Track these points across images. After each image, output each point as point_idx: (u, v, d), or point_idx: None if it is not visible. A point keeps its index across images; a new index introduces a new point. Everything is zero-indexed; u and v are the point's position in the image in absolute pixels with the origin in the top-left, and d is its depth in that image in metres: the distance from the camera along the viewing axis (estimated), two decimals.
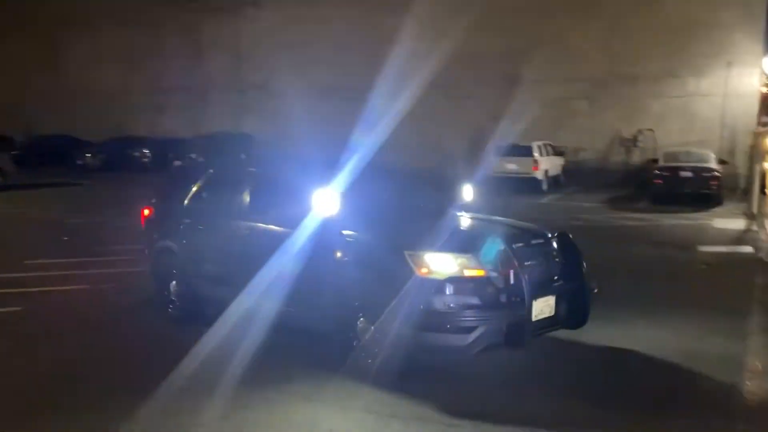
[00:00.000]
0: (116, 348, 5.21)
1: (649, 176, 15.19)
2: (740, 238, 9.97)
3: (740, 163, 16.16)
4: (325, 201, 4.81)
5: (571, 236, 4.96)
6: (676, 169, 14.45)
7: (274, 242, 5.02)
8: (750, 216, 11.34)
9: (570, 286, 4.68)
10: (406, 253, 4.42)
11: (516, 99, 19.00)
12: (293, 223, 4.94)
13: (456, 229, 5.20)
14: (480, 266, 4.38)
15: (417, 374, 4.35)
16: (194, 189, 6.30)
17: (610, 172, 18.22)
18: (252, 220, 5.50)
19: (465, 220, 5.51)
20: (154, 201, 6.82)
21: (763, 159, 12.60)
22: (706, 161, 14.75)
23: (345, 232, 4.81)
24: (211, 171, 6.57)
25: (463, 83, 19.81)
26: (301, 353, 4.85)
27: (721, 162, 14.98)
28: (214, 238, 5.80)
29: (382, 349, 4.39)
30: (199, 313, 5.77)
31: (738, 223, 11.05)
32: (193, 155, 18.71)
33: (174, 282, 6.18)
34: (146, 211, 6.79)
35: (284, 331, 4.88)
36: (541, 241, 4.84)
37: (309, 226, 4.92)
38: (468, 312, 4.33)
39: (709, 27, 17.06)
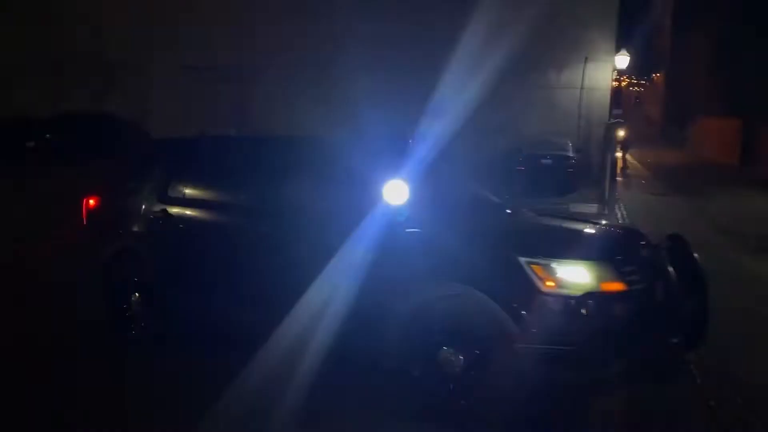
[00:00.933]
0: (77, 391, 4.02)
1: (512, 164, 15.94)
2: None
3: (594, 151, 17.33)
4: (395, 193, 3.79)
5: (687, 240, 3.99)
6: (537, 157, 15.30)
7: (310, 243, 4.03)
8: (602, 200, 12.22)
9: (687, 302, 3.71)
10: (523, 261, 3.45)
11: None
12: (344, 222, 3.83)
13: (557, 231, 4.29)
14: (619, 278, 3.46)
15: (530, 422, 3.55)
16: (165, 173, 4.88)
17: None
18: (274, 216, 4.26)
19: (542, 220, 4.59)
20: (104, 187, 5.30)
21: (615, 148, 13.66)
22: (564, 150, 15.74)
23: (417, 232, 3.79)
24: (198, 148, 5.04)
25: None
26: (354, 393, 3.94)
27: (578, 151, 16.07)
28: (212, 238, 4.55)
29: (480, 389, 3.52)
30: (176, 334, 4.73)
31: (591, 208, 11.89)
32: (48, 135, 17.23)
33: (137, 295, 4.88)
34: (92, 201, 5.25)
35: (326, 362, 3.86)
36: (648, 245, 3.94)
37: (369, 225, 3.82)
38: (606, 338, 3.36)
39: (570, 23, 18.10)
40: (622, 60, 19.39)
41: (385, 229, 3.79)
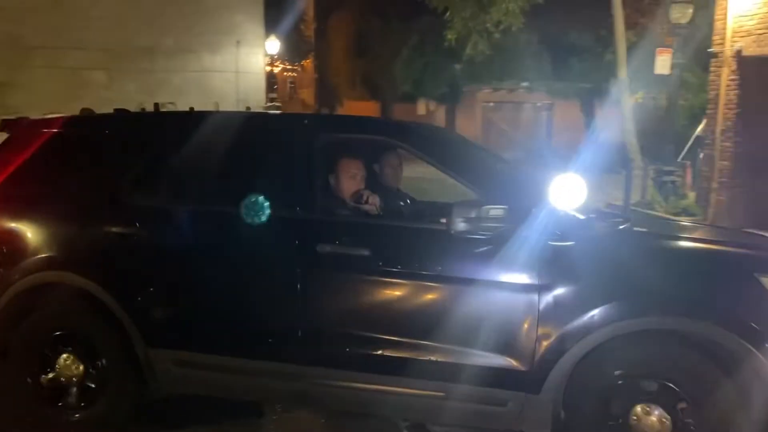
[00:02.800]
0: None
1: None
2: None
3: None
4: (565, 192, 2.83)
5: None
6: None
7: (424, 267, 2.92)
8: None
9: None
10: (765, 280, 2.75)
11: (21, 65, 16.82)
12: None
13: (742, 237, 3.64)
14: None
15: None
16: (141, 161, 3.37)
17: None
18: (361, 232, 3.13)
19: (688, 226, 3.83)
20: None
21: None
22: None
23: (574, 245, 2.84)
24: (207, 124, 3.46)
25: None
26: None
27: None
28: (242, 261, 3.17)
29: None
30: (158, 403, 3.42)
31: None
32: None
33: (69, 356, 3.32)
34: None
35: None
36: None
37: (521, 238, 2.84)
38: None
39: (218, 6, 18.10)
40: (273, 45, 20.18)
41: (538, 242, 2.87)
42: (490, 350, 2.86)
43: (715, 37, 10.32)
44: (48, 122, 3.80)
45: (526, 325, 2.83)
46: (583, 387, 2.86)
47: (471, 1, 15.51)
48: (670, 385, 2.77)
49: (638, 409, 2.80)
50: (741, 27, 9.77)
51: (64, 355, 3.38)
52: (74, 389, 3.40)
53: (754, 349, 2.68)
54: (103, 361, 3.36)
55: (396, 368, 2.96)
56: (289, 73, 53.49)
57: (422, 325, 2.94)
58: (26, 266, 3.38)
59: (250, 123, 3.69)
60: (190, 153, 3.41)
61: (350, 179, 3.49)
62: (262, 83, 19.41)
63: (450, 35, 16.03)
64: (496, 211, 2.83)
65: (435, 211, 3.59)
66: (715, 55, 10.28)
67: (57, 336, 3.41)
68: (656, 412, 2.77)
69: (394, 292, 3.04)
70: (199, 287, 3.29)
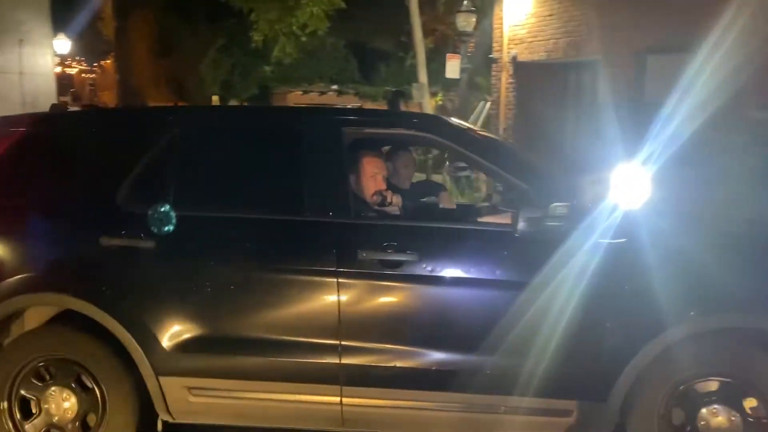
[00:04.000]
0: None
1: None
2: None
3: None
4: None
5: None
6: None
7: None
8: None
9: None
10: None
11: None
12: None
13: None
14: None
15: None
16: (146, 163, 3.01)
17: None
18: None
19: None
20: None
21: None
22: None
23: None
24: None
25: None
26: None
27: None
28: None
29: None
30: None
31: None
32: None
33: (56, 389, 2.96)
34: None
35: None
36: None
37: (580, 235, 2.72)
38: None
39: None
40: (63, 44, 18.70)
41: (600, 240, 2.75)
42: (553, 358, 2.76)
43: (494, 44, 11.47)
44: (19, 120, 3.37)
45: (590, 329, 2.76)
46: (649, 391, 2.80)
47: (275, 3, 15.59)
48: (737, 383, 2.76)
49: (704, 411, 2.77)
50: (515, 35, 10.97)
51: (51, 389, 2.99)
52: (68, 426, 2.99)
53: None
54: (101, 393, 2.97)
55: (450, 383, 2.82)
56: (88, 75, 49.67)
57: (477, 334, 2.79)
58: (9, 285, 2.97)
59: (270, 119, 3.43)
60: (205, 153, 3.12)
61: (372, 179, 3.34)
62: (52, 85, 17.87)
63: (256, 37, 15.95)
64: (561, 209, 2.74)
65: (472, 212, 3.69)
66: (495, 60, 11.42)
67: (41, 367, 3.01)
68: (724, 412, 2.75)
69: (444, 299, 2.88)
70: (221, 304, 2.96)
